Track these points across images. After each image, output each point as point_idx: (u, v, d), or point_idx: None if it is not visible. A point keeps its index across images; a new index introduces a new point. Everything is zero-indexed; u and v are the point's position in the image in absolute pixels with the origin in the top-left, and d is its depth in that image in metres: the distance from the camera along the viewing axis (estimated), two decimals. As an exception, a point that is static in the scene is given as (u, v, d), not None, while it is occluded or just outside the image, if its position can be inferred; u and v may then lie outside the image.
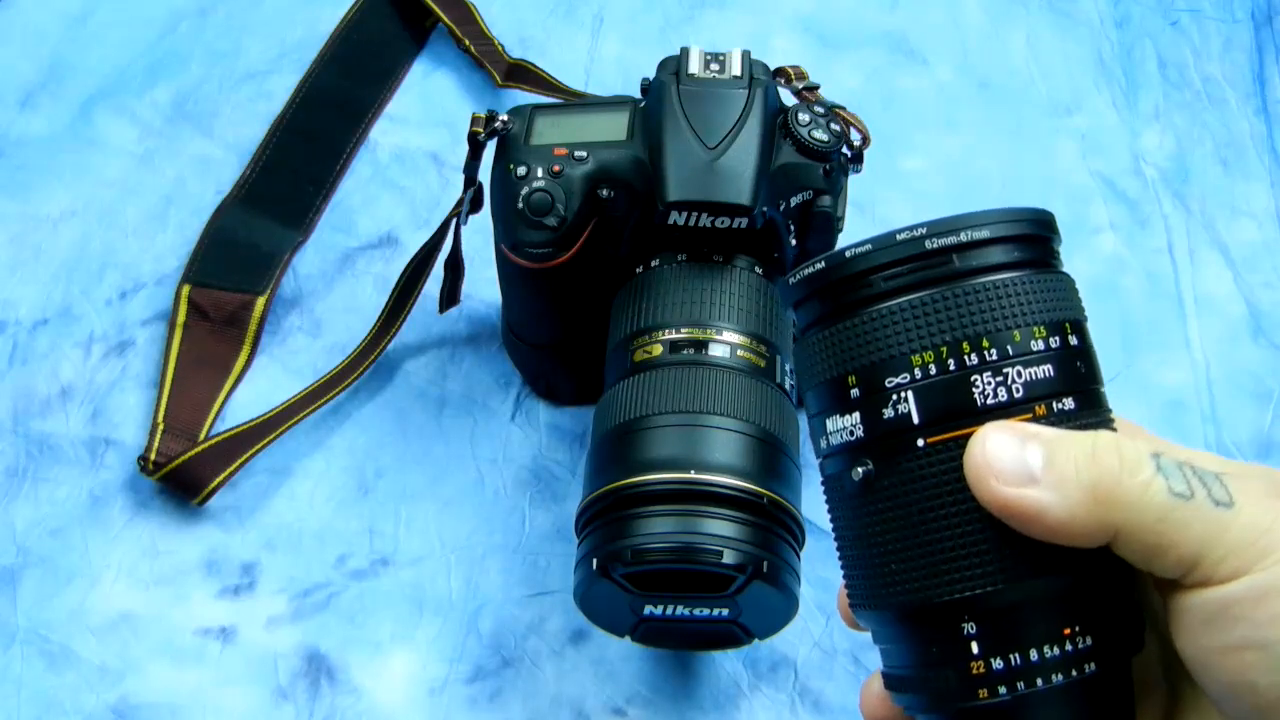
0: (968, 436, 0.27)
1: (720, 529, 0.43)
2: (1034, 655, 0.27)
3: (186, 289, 0.62)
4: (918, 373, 0.27)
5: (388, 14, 0.75)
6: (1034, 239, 0.29)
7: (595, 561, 0.43)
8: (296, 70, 0.72)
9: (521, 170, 0.51)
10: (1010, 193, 0.70)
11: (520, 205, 0.50)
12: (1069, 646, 0.27)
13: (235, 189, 0.67)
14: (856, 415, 0.28)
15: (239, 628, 0.53)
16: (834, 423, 0.29)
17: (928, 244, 0.28)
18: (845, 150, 0.52)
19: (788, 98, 0.54)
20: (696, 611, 0.45)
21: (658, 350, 0.49)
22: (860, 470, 0.28)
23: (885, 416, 0.28)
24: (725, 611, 0.45)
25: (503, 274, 0.56)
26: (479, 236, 0.57)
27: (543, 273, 0.52)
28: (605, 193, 0.51)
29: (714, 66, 0.52)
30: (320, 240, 0.66)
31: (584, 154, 0.51)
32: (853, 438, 0.28)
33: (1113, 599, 0.28)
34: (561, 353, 0.58)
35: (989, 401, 0.27)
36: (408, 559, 0.55)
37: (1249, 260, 0.68)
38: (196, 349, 0.60)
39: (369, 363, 0.59)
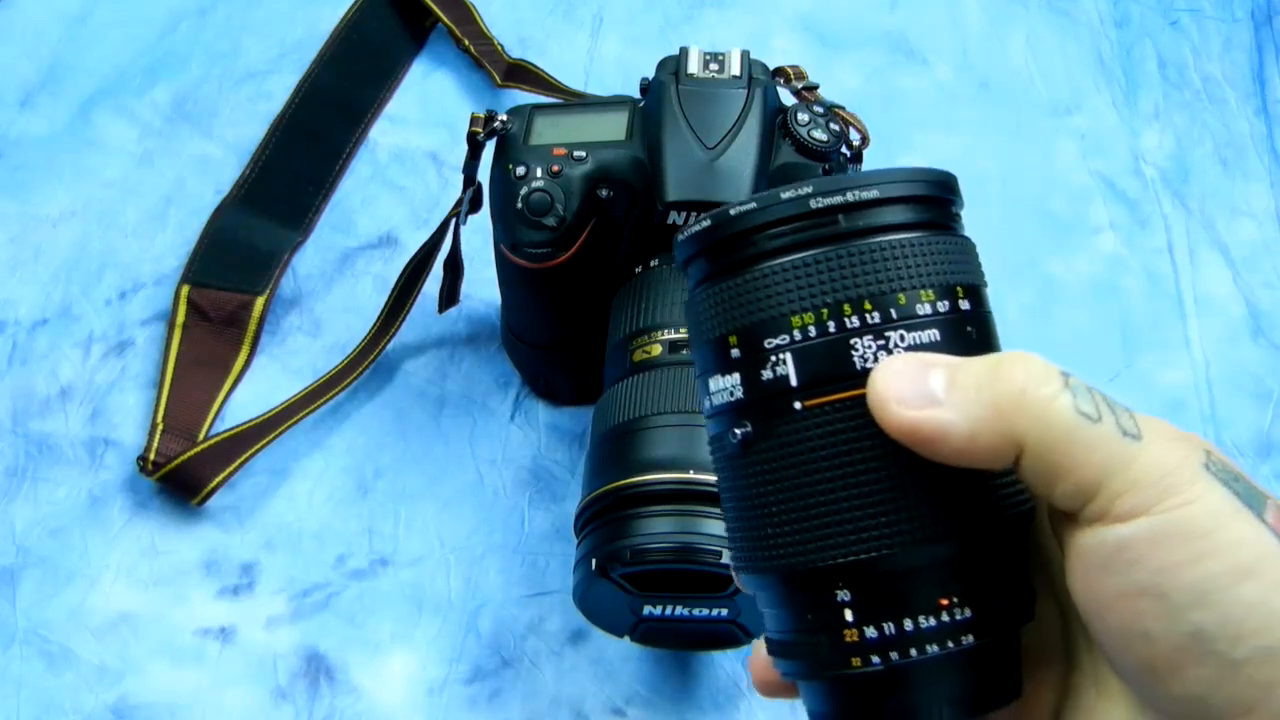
0: (846, 400, 0.26)
1: (719, 529, 0.43)
2: (909, 625, 0.26)
3: (186, 289, 0.62)
4: (797, 334, 0.27)
5: (387, 14, 0.75)
6: (928, 200, 0.28)
7: (594, 561, 0.43)
8: (296, 70, 0.72)
9: (520, 170, 0.51)
10: (1010, 192, 0.70)
11: (519, 205, 0.50)
12: (946, 617, 0.26)
13: (235, 189, 0.67)
14: (736, 376, 0.27)
15: (238, 628, 0.53)
16: (716, 383, 0.28)
17: (813, 203, 0.27)
18: (845, 150, 0.52)
19: (787, 97, 0.54)
20: (696, 611, 0.45)
21: (657, 350, 0.49)
22: (738, 432, 0.27)
23: (764, 378, 0.27)
24: (724, 611, 0.44)
25: (502, 274, 0.56)
26: (478, 236, 0.57)
27: (542, 273, 0.52)
28: (604, 193, 0.51)
29: (713, 66, 0.51)
30: (320, 240, 0.66)
31: (583, 154, 0.51)
32: (733, 398, 0.28)
33: (997, 570, 0.27)
34: (561, 353, 0.58)
35: (868, 365, 0.26)
36: (407, 559, 0.55)
37: (1249, 260, 0.68)
38: (196, 349, 0.60)
39: (368, 363, 0.59)
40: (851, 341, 0.26)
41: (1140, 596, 0.24)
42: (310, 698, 0.52)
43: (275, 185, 0.67)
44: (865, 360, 0.26)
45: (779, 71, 0.54)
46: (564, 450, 0.59)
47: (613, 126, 0.52)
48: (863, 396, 0.26)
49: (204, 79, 0.72)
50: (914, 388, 0.25)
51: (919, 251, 0.27)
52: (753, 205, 0.27)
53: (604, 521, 0.44)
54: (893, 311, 0.26)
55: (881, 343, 0.26)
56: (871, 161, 0.53)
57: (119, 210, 0.66)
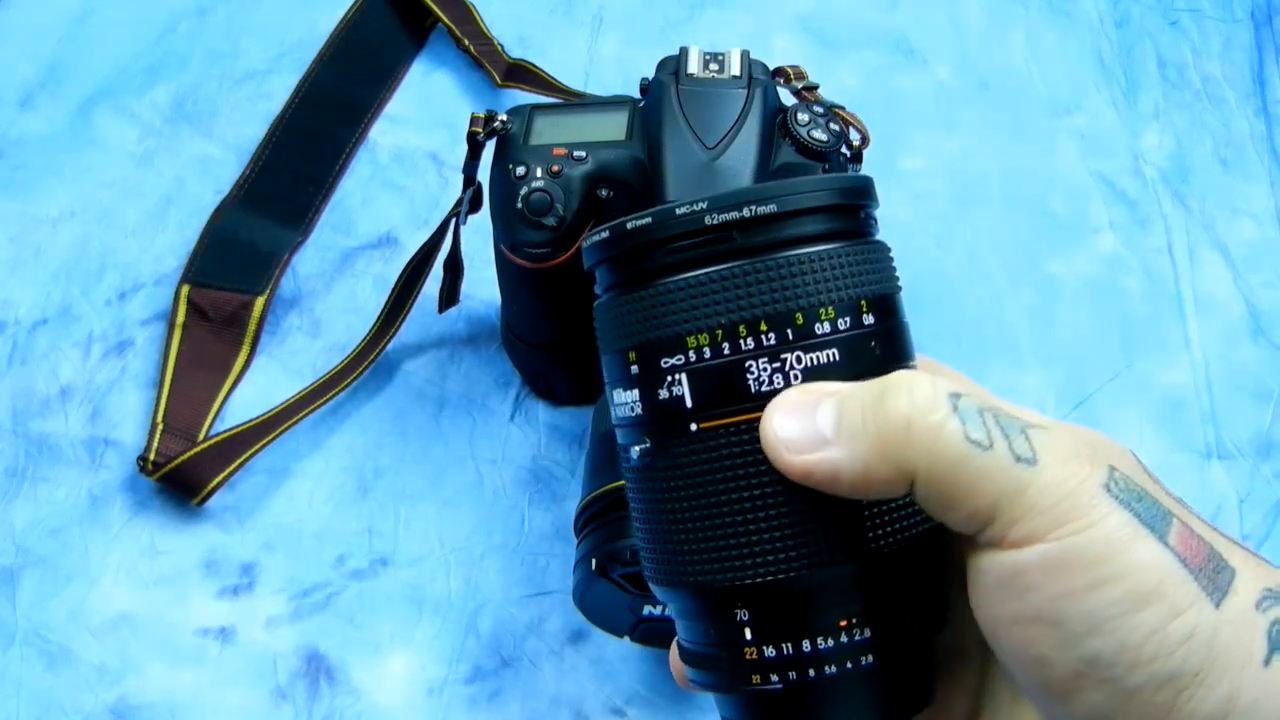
0: (740, 424, 0.26)
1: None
2: (806, 645, 0.26)
3: (186, 289, 0.62)
4: (692, 355, 0.26)
5: (387, 14, 0.75)
6: (833, 210, 0.27)
7: (594, 562, 0.43)
8: (296, 70, 0.72)
9: (520, 170, 0.51)
10: (1010, 192, 0.70)
11: (519, 205, 0.50)
12: (844, 638, 0.26)
13: (235, 189, 0.67)
14: (636, 392, 0.27)
15: (238, 628, 0.53)
16: (619, 396, 0.28)
17: (707, 219, 0.26)
18: (845, 150, 0.52)
19: (787, 98, 0.54)
20: (695, 612, 0.45)
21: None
22: (638, 449, 0.27)
23: (660, 398, 0.26)
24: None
25: (502, 274, 0.56)
26: (478, 236, 0.57)
27: (542, 273, 0.52)
28: (604, 193, 0.51)
29: (713, 66, 0.51)
30: (320, 240, 0.66)
31: (583, 154, 0.51)
32: (633, 414, 0.27)
33: (900, 588, 0.27)
34: (560, 352, 0.58)
35: (764, 388, 0.25)
36: (407, 559, 0.55)
37: (1249, 260, 0.68)
38: (196, 349, 0.60)
39: (368, 363, 0.59)
40: (746, 364, 0.26)
41: (1035, 622, 0.24)
42: (310, 698, 0.52)
43: (275, 185, 0.67)
44: (760, 383, 0.26)
45: (779, 71, 0.54)
46: (564, 450, 0.59)
47: (613, 126, 0.52)
48: (758, 420, 0.25)
49: (204, 79, 0.72)
50: (803, 430, 0.25)
51: (819, 267, 0.26)
52: (648, 220, 0.27)
53: (604, 521, 0.44)
54: (789, 332, 0.26)
55: (777, 365, 0.26)
56: (871, 161, 0.53)
57: (119, 210, 0.66)
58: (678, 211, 0.26)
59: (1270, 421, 0.62)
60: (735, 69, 0.51)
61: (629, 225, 0.27)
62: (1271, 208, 0.70)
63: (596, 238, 0.28)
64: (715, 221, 0.26)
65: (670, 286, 0.26)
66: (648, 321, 0.27)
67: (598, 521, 0.45)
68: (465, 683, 0.52)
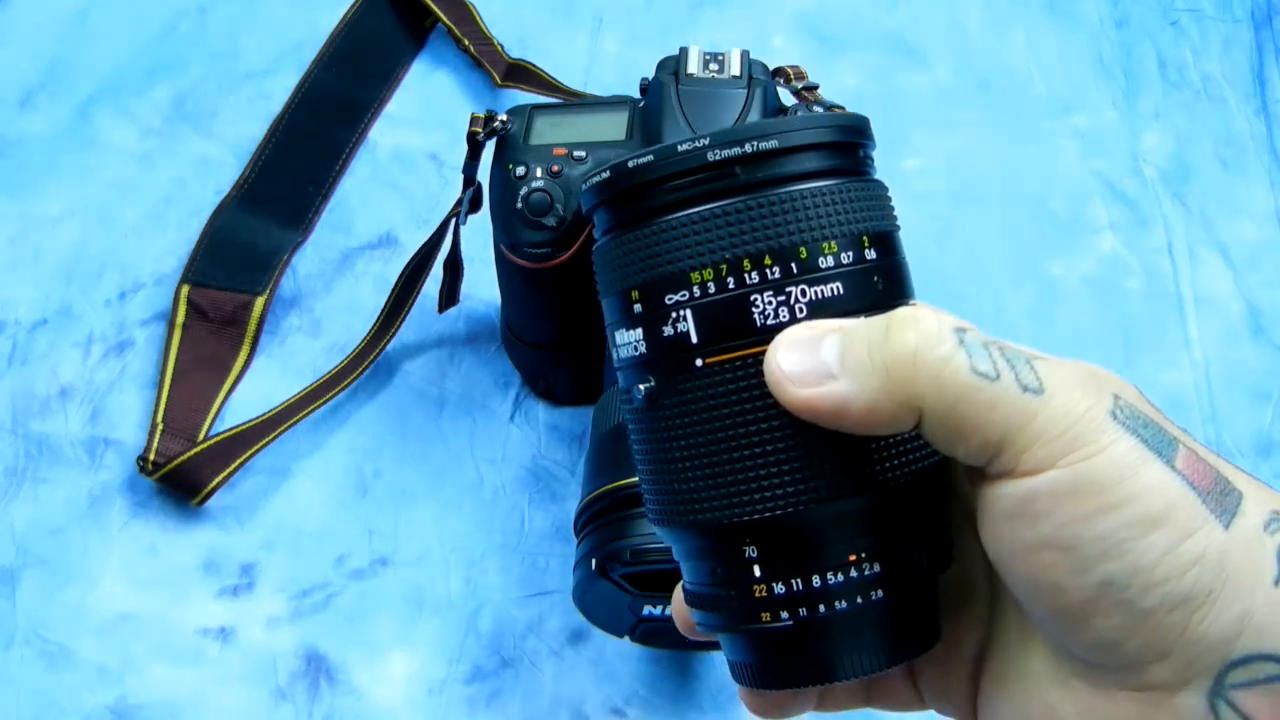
0: (746, 358, 0.26)
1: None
2: (816, 581, 0.26)
3: (185, 289, 0.62)
4: (696, 290, 0.26)
5: (387, 14, 0.75)
6: (832, 146, 0.27)
7: (594, 562, 0.43)
8: (296, 70, 0.72)
9: (520, 170, 0.51)
10: (1010, 192, 0.70)
11: (519, 205, 0.50)
12: (854, 573, 0.26)
13: (234, 189, 0.67)
14: (640, 331, 0.27)
15: (238, 628, 0.53)
16: (622, 336, 0.28)
17: (710, 155, 0.26)
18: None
19: (787, 97, 0.54)
20: (695, 612, 0.45)
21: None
22: (643, 387, 0.27)
23: (665, 335, 0.26)
24: (724, 612, 0.44)
25: (502, 274, 0.56)
26: (478, 236, 0.57)
27: (542, 273, 0.52)
28: (604, 193, 0.51)
29: (713, 66, 0.52)
30: (319, 240, 0.66)
31: (583, 154, 0.51)
32: (637, 354, 0.27)
33: (908, 522, 0.27)
34: (561, 352, 0.58)
35: (769, 322, 0.26)
36: (407, 559, 0.55)
37: (1249, 260, 0.68)
38: (196, 349, 0.60)
39: (368, 363, 0.59)
40: (751, 298, 0.26)
41: (1048, 549, 0.24)
42: (310, 698, 0.52)
43: (275, 185, 0.67)
44: (766, 317, 0.26)
45: (779, 71, 0.54)
46: (564, 450, 0.59)
47: (613, 126, 0.52)
48: (764, 354, 0.26)
49: (204, 79, 0.72)
50: (808, 363, 0.25)
51: (822, 202, 0.26)
52: (649, 158, 0.27)
53: (604, 522, 0.44)
54: (793, 266, 0.26)
55: (782, 298, 0.26)
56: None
57: (119, 210, 0.66)
58: (680, 148, 0.26)
59: (1270, 421, 0.62)
60: (735, 69, 0.51)
61: (630, 164, 0.27)
62: (1271, 208, 0.70)
63: (598, 178, 0.28)
64: (717, 157, 0.26)
65: (673, 223, 0.26)
66: (651, 259, 0.27)
67: (598, 521, 0.45)
68: (465, 683, 0.52)
